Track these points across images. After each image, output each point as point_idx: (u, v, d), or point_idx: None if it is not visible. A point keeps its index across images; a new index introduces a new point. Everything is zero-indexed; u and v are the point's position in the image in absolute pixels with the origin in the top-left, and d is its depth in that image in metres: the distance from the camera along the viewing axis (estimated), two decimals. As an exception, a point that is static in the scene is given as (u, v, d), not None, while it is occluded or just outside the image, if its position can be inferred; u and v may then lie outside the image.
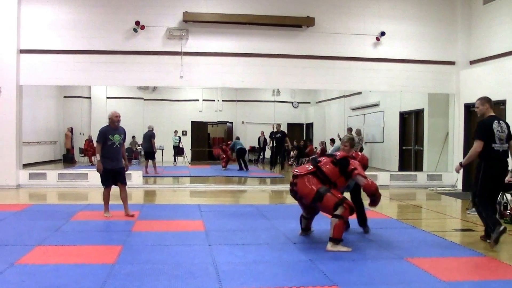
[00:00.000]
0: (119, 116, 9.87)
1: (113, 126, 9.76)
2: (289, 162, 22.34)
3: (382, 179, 16.11)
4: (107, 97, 21.47)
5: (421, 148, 17.59)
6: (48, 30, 14.90)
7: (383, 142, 20.15)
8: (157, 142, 19.78)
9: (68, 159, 20.90)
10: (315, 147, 22.31)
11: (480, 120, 7.99)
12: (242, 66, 15.46)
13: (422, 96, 17.28)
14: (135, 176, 15.38)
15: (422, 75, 16.07)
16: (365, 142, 20.54)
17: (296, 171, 7.64)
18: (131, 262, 6.42)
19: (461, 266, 6.64)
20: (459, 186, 15.64)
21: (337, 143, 20.26)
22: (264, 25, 15.43)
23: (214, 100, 23.65)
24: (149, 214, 10.07)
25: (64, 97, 21.14)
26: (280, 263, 6.53)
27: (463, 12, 16.05)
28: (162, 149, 21.65)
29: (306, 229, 8.27)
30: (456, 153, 15.97)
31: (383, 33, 15.75)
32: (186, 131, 23.47)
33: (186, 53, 15.19)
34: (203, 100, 23.88)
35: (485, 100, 7.97)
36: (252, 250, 7.17)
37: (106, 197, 9.89)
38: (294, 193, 7.66)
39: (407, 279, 5.91)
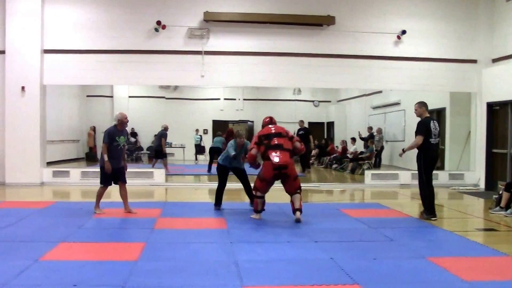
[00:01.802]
0: (127, 117, 9.98)
1: (120, 128, 9.85)
2: (310, 161, 22.30)
3: (403, 178, 16.05)
4: (129, 96, 21.68)
5: (443, 147, 17.43)
6: (71, 30, 15.09)
7: (404, 141, 19.99)
8: (179, 141, 19.89)
9: (90, 157, 21.10)
10: (336, 146, 22.28)
11: (422, 120, 10.06)
12: (262, 65, 15.47)
13: (443, 94, 17.14)
14: (157, 174, 15.55)
15: (444, 73, 15.94)
16: (386, 141, 20.48)
17: (283, 162, 9.01)
18: (153, 259, 6.46)
19: (484, 266, 6.51)
20: (482, 185, 15.47)
21: (358, 142, 20.28)
22: (285, 24, 15.43)
23: (235, 99, 23.71)
24: (171, 212, 10.10)
25: (87, 96, 21.32)
26: (301, 261, 6.50)
27: (486, 10, 15.89)
28: (184, 148, 21.77)
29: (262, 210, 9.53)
30: (479, 152, 15.83)
31: (404, 32, 15.65)
32: (207, 130, 23.56)
33: (207, 52, 15.24)
34: (224, 99, 23.94)
35: (422, 104, 10.28)
36: (273, 248, 7.16)
37: (101, 194, 10.05)
38: (280, 174, 9.15)
39: (429, 279, 5.85)
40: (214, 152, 17.87)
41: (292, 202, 9.33)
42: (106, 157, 9.64)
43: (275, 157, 8.98)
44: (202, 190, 14.96)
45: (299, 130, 19.22)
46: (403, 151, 10.21)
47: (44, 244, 7.18)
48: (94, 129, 21.23)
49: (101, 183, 10.00)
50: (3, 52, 14.75)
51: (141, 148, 22.45)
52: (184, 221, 9.29)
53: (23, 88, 14.65)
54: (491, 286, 5.67)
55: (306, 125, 20.22)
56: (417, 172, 9.93)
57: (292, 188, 9.29)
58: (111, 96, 22.05)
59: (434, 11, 16.01)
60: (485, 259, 6.81)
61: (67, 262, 6.29)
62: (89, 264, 6.19)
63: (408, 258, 6.78)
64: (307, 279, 5.70)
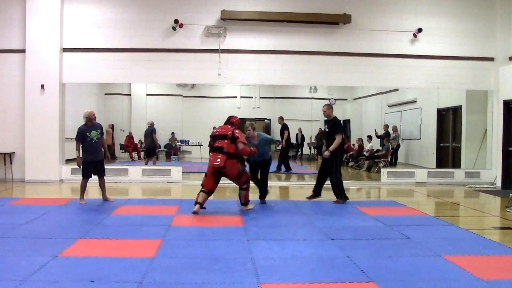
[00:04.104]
0: (95, 114, 10.99)
1: (90, 124, 10.83)
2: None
3: (419, 176, 16.05)
4: (147, 94, 21.72)
5: (459, 145, 17.38)
6: (90, 29, 15.24)
7: (420, 139, 19.97)
8: (196, 138, 19.92)
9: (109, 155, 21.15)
10: (353, 144, 22.21)
11: (335, 119, 11.29)
12: (279, 63, 15.52)
13: (460, 92, 17.06)
14: (174, 172, 15.66)
15: (460, 71, 15.89)
16: (402, 139, 20.40)
17: (218, 165, 9.73)
18: (170, 256, 6.51)
19: (501, 264, 6.46)
20: (498, 183, 15.38)
21: (374, 140, 20.21)
22: (301, 22, 15.46)
23: (252, 97, 23.67)
24: (188, 209, 10.08)
25: (105, 94, 21.38)
26: (317, 259, 6.53)
27: (503, 7, 15.84)
28: (201, 145, 21.79)
29: (202, 205, 9.93)
30: (495, 150, 15.76)
31: (420, 30, 15.63)
32: (224, 128, 23.54)
33: (224, 51, 15.33)
34: (241, 97, 23.90)
35: (330, 106, 11.56)
36: (289, 246, 7.16)
37: (84, 186, 10.90)
38: (220, 173, 9.91)
39: (445, 277, 5.82)
40: None
41: (239, 196, 10.42)
42: (77, 153, 10.78)
43: (213, 161, 9.82)
44: (219, 188, 14.91)
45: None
46: (330, 152, 11.07)
47: (63, 240, 7.26)
48: (112, 127, 21.28)
49: (82, 175, 10.86)
50: (23, 51, 14.92)
51: (158, 146, 22.52)
52: (201, 218, 9.31)
53: (42, 86, 14.82)
54: (508, 284, 5.62)
55: (322, 122, 20.10)
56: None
57: (238, 184, 10.28)
58: (129, 94, 22.11)
59: (451, 9, 15.96)
60: (502, 258, 6.75)
61: (85, 258, 6.33)
62: (107, 261, 6.24)
63: (424, 256, 6.72)
64: (323, 277, 5.71)
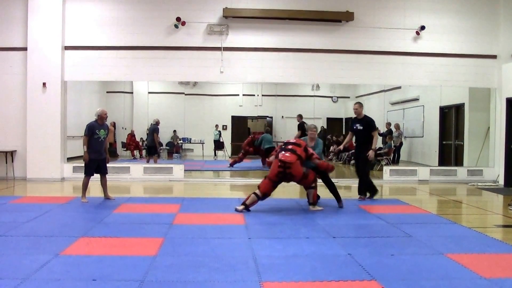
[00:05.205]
0: (107, 114, 11.06)
1: (101, 122, 10.90)
2: (329, 157, 22.23)
3: (421, 174, 16.02)
4: (149, 92, 21.73)
5: (462, 143, 17.32)
6: (92, 27, 15.22)
7: (423, 136, 19.91)
8: (198, 136, 19.91)
9: (110, 153, 20.88)
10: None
11: (367, 117, 11.56)
12: (281, 61, 15.48)
13: (462, 90, 17.00)
14: (176, 170, 15.65)
15: (463, 69, 15.84)
16: (405, 137, 20.37)
17: (287, 159, 9.52)
18: (172, 254, 6.49)
19: (503, 263, 6.43)
20: (501, 181, 15.36)
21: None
22: (304, 20, 15.41)
23: (254, 95, 23.70)
24: (190, 207, 10.12)
25: (107, 92, 21.36)
26: (319, 257, 6.49)
27: (506, 5, 15.79)
28: (203, 143, 21.78)
29: (248, 207, 9.77)
30: (498, 148, 15.72)
31: (423, 27, 15.59)
32: (226, 126, 23.58)
33: (226, 49, 15.31)
34: (243, 95, 23.92)
35: (361, 104, 11.67)
36: (291, 244, 7.15)
37: (86, 184, 10.88)
38: (284, 174, 9.58)
39: (447, 275, 5.79)
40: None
41: (307, 195, 10.19)
42: (85, 148, 10.65)
43: (283, 156, 9.65)
44: (221, 186, 14.99)
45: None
46: (373, 150, 11.32)
47: (64, 238, 7.25)
48: (114, 125, 21.23)
49: (84, 173, 10.85)
50: (25, 49, 14.92)
51: (160, 144, 22.52)
52: (203, 216, 9.28)
53: (44, 84, 14.82)
54: (510, 283, 5.58)
55: (324, 120, 20.12)
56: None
57: (306, 185, 10.04)
58: (131, 92, 22.12)
59: (454, 6, 15.93)
60: (504, 256, 6.73)
61: (86, 257, 6.32)
62: (109, 259, 6.23)
63: (426, 254, 6.70)
64: (325, 275, 5.70)
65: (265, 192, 9.72)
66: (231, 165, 19.69)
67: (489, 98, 16.51)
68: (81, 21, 15.20)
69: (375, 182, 11.96)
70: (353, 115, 11.83)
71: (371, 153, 11.21)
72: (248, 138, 20.44)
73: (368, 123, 11.34)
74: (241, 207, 9.70)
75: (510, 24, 15.74)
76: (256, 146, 19.48)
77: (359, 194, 11.57)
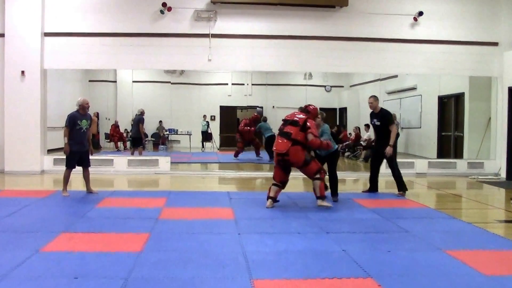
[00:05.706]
0: (89, 103, 10.80)
1: (83, 112, 10.68)
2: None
3: (419, 166, 15.83)
4: (133, 81, 21.66)
5: (461, 134, 17.25)
6: (73, 13, 14.87)
7: (420, 127, 19.81)
8: (185, 127, 19.70)
9: (93, 145, 20.78)
10: (349, 133, 22.00)
11: (384, 110, 11.28)
12: (272, 48, 15.21)
13: (462, 79, 16.91)
14: (162, 162, 15.42)
15: (463, 57, 15.63)
16: (401, 128, 20.16)
17: (277, 148, 9.25)
18: (158, 250, 6.39)
19: (504, 259, 6.33)
20: (503, 174, 15.19)
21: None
22: (296, 5, 15.11)
23: (243, 84, 23.65)
24: (176, 201, 10.01)
25: (89, 81, 21.31)
26: (312, 253, 6.39)
27: (508, -10, 15.61)
28: (190, 135, 21.62)
29: (275, 198, 9.47)
30: (499, 139, 15.60)
31: (421, 13, 15.30)
32: (214, 116, 23.51)
33: (215, 36, 15.02)
34: (232, 84, 23.88)
35: (376, 98, 11.36)
36: (282, 239, 7.05)
37: (67, 177, 10.66)
38: (284, 161, 9.27)
39: (446, 272, 5.69)
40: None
41: (313, 189, 9.58)
42: (66, 140, 10.47)
43: (275, 145, 9.42)
44: (209, 179, 14.76)
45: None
46: (391, 146, 10.91)
47: (45, 234, 7.12)
48: (97, 115, 21.05)
49: (66, 166, 10.65)
50: (2, 35, 14.57)
51: (145, 135, 22.32)
52: (190, 211, 9.15)
53: (23, 72, 14.46)
54: (511, 280, 5.49)
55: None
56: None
57: (309, 174, 9.50)
58: (115, 81, 22.07)
59: (453, -9, 15.72)
60: (506, 253, 6.63)
61: (68, 253, 6.21)
62: (91, 255, 6.12)
63: (424, 250, 6.63)
64: (318, 272, 5.57)
65: (281, 181, 9.52)
66: (235, 156, 19.55)
67: (490, 87, 16.35)
68: (62, 6, 14.83)
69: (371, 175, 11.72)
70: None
71: (388, 150, 10.90)
72: (243, 120, 20.13)
73: (384, 117, 11.14)
74: (269, 203, 9.42)
75: (512, 10, 15.61)
76: (255, 133, 19.56)
77: (398, 191, 11.34)
